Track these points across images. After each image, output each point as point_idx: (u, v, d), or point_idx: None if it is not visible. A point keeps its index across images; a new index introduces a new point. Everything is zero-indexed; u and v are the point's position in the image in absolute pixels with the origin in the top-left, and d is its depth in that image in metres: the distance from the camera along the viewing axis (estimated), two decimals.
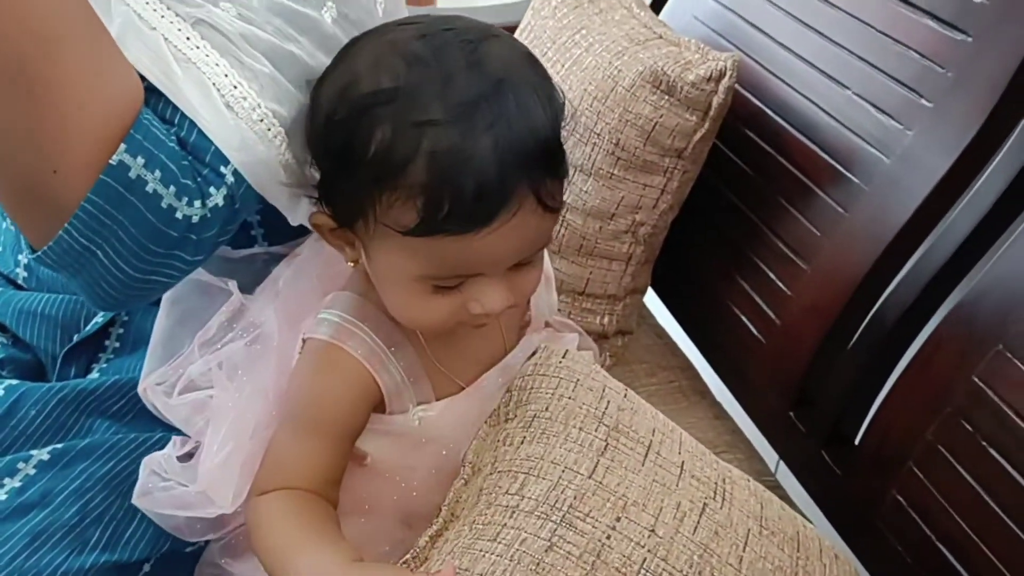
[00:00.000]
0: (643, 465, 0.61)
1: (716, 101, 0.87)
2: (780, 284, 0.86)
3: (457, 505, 0.62)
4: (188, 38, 0.53)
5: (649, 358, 1.02)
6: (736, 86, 0.92)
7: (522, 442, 0.61)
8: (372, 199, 0.50)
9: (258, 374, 0.61)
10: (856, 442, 0.78)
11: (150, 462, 0.63)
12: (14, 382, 0.70)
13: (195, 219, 0.54)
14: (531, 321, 0.68)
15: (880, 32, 0.80)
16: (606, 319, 0.97)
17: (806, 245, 0.84)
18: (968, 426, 0.67)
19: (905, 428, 0.72)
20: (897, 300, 0.76)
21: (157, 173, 0.51)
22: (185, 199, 0.53)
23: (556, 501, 0.57)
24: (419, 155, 0.48)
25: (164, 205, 0.52)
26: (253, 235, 0.72)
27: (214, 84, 0.53)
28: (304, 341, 0.60)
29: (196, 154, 0.54)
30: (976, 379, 0.67)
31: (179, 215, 0.53)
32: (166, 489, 0.61)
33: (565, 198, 0.90)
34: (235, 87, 0.53)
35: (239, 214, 0.58)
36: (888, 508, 0.74)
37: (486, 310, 0.53)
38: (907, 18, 0.78)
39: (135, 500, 0.63)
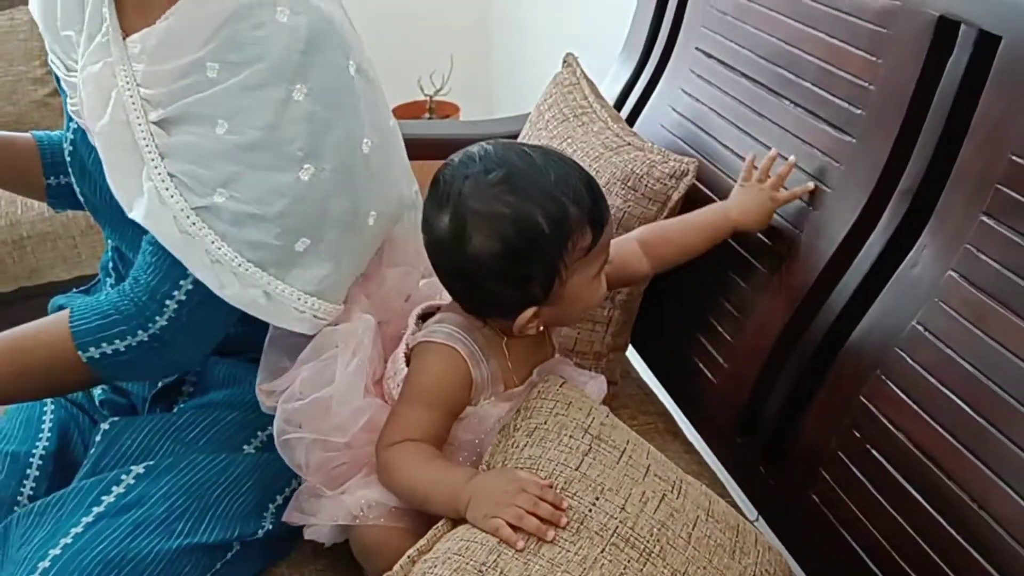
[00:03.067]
0: (617, 463, 0.80)
1: (676, 195, 1.09)
2: (726, 335, 1.06)
3: None
4: (188, 216, 0.79)
5: (632, 405, 1.22)
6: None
7: (525, 446, 0.80)
8: (561, 255, 0.79)
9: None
10: (785, 457, 0.97)
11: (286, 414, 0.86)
12: (116, 419, 0.93)
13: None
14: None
15: (794, 136, 1.02)
16: (593, 372, 1.17)
17: (744, 303, 1.04)
18: (858, 435, 0.86)
19: (817, 442, 0.91)
20: (809, 342, 0.96)
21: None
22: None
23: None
24: (568, 204, 0.78)
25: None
26: None
27: (206, 250, 0.80)
28: (415, 344, 0.86)
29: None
30: (862, 398, 0.86)
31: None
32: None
33: None
34: (220, 248, 0.80)
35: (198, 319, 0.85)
36: (808, 508, 0.92)
37: (609, 268, 0.86)
38: (812, 125, 1.00)
39: (277, 440, 0.86)
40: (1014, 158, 0.77)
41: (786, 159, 1.01)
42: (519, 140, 1.30)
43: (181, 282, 0.82)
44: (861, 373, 0.87)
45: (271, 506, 0.91)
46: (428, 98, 2.68)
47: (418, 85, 2.66)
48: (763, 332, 1.00)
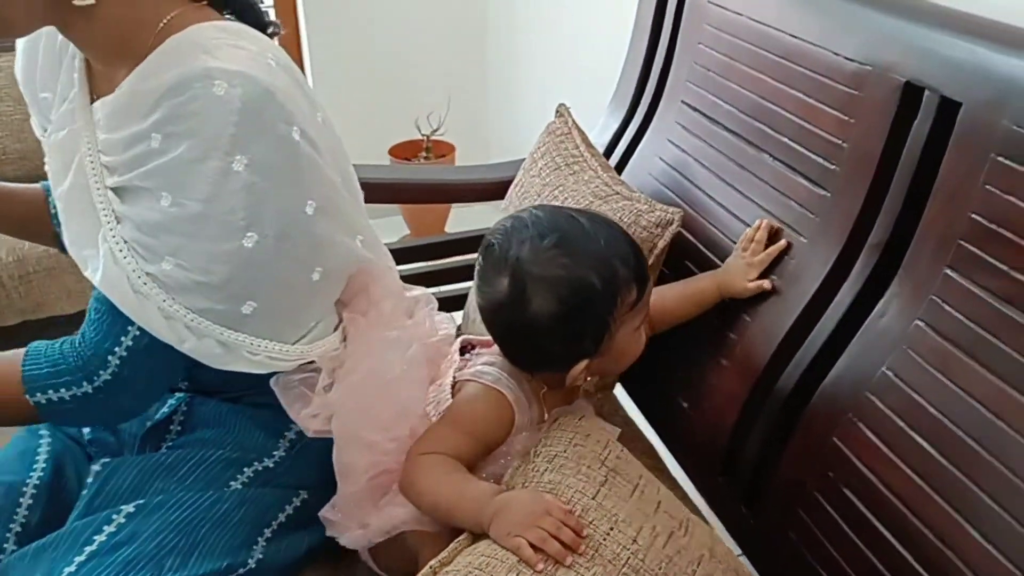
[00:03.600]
0: (631, 497, 0.84)
1: (661, 243, 1.14)
2: (708, 378, 1.11)
3: None
4: (140, 277, 0.83)
5: (620, 442, 1.26)
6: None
7: (545, 471, 0.84)
8: (612, 311, 0.87)
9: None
10: (765, 497, 1.01)
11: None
12: (107, 459, 0.98)
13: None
14: None
15: (773, 188, 1.08)
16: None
17: (724, 346, 1.09)
18: (832, 476, 0.91)
19: (794, 482, 0.96)
20: (785, 385, 1.00)
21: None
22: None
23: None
24: (618, 265, 0.86)
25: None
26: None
27: (158, 307, 0.83)
28: (463, 379, 0.93)
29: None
30: (835, 440, 0.91)
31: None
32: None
33: None
34: (171, 306, 0.83)
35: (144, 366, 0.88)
36: (788, 547, 0.96)
37: (647, 321, 0.95)
38: (790, 179, 1.06)
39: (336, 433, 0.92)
40: (974, 216, 0.82)
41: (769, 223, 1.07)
42: (514, 185, 1.35)
43: (122, 339, 0.86)
44: (834, 416, 0.92)
45: (260, 539, 0.94)
46: (425, 137, 2.75)
47: (415, 125, 2.73)
48: (742, 374, 1.05)
